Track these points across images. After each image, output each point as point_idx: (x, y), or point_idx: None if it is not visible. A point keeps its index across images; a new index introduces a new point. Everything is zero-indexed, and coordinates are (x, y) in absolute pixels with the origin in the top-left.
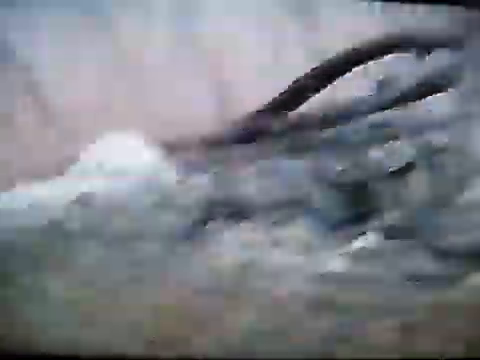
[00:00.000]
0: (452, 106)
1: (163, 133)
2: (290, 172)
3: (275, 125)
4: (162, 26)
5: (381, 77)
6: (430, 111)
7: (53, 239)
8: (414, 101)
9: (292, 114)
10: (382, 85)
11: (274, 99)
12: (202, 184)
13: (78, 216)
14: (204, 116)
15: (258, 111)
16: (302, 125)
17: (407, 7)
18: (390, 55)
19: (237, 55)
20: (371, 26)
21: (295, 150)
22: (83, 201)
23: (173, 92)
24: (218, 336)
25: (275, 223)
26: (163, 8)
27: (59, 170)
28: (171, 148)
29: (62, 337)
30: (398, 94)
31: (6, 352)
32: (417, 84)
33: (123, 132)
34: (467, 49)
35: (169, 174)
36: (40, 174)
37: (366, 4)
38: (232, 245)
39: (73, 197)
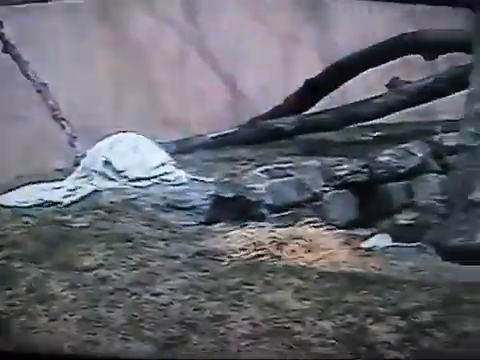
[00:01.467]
0: (462, 108)
1: (174, 132)
2: (302, 172)
3: (287, 125)
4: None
5: (391, 79)
6: (439, 113)
7: (59, 238)
8: (423, 103)
9: (304, 114)
10: (392, 87)
11: (286, 99)
12: (211, 184)
13: (85, 215)
14: (216, 115)
15: (270, 111)
16: (314, 126)
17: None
18: (401, 57)
19: (249, 55)
20: (383, 26)
21: (307, 151)
22: (89, 202)
23: (185, 92)
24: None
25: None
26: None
27: (67, 169)
28: (182, 147)
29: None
30: (407, 97)
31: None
32: (426, 86)
33: (132, 131)
34: (476, 52)
35: (178, 174)
36: (48, 173)
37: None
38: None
39: (80, 196)
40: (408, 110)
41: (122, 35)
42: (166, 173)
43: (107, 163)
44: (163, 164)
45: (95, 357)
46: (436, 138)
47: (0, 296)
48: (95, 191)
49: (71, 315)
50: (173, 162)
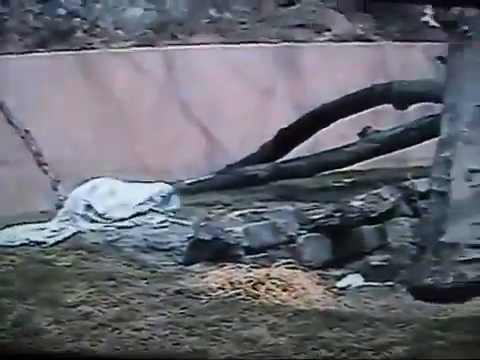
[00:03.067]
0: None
1: (153, 179)
2: (277, 217)
3: (262, 172)
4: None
5: (362, 128)
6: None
7: (44, 276)
8: (394, 151)
9: (278, 162)
10: (364, 136)
11: (261, 147)
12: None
13: (69, 255)
14: (193, 163)
15: (246, 158)
16: (288, 172)
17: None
18: (373, 107)
19: (224, 105)
20: (356, 75)
21: (282, 196)
22: (72, 242)
23: (162, 140)
24: None
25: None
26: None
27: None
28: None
29: None
30: (378, 145)
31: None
32: (396, 135)
33: (111, 176)
34: (446, 100)
35: (157, 217)
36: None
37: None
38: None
39: (63, 237)
40: (380, 157)
41: (102, 86)
42: (145, 215)
43: (88, 206)
44: (142, 207)
45: (95, 357)
46: (407, 184)
47: None
48: (78, 232)
49: (56, 349)
50: (151, 205)
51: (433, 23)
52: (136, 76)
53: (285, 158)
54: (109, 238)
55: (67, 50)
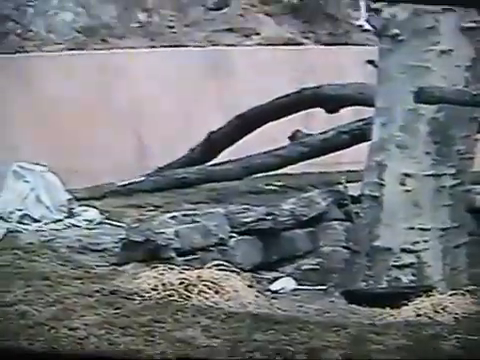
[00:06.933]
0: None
1: (83, 181)
2: (208, 219)
3: (192, 175)
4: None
5: (293, 132)
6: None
7: None
8: (325, 155)
9: (208, 165)
10: (294, 139)
11: (191, 150)
12: (122, 228)
13: (5, 255)
14: (124, 165)
15: (176, 161)
16: (218, 175)
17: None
18: (303, 110)
19: (154, 108)
20: (286, 79)
21: (213, 199)
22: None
23: (93, 142)
24: None
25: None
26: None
27: None
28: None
29: None
30: (308, 149)
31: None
32: (327, 139)
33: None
34: (377, 104)
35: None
36: None
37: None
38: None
39: None
40: (311, 161)
41: (35, 88)
42: (76, 217)
43: (21, 210)
44: (74, 209)
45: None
46: (340, 187)
47: None
48: (14, 231)
49: None
50: (83, 207)
51: (366, 26)
52: (68, 79)
53: (215, 161)
54: (43, 238)
55: (1, 53)
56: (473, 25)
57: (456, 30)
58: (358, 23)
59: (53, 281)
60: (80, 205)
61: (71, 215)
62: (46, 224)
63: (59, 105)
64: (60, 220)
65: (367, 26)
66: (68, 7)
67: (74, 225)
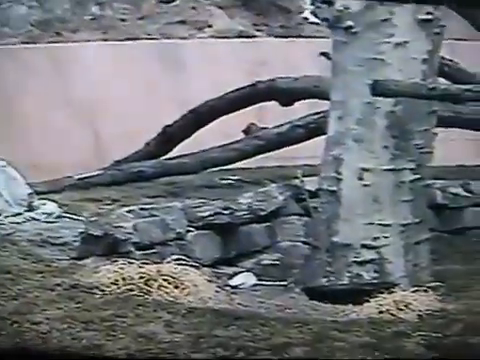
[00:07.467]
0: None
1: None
2: (165, 213)
3: (148, 169)
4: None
5: (248, 125)
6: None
7: None
8: (280, 149)
9: (164, 159)
10: (249, 133)
11: (146, 144)
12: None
13: None
14: (81, 159)
15: (132, 155)
16: (174, 169)
17: None
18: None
19: (109, 102)
20: (239, 72)
21: (170, 193)
22: None
23: (50, 136)
24: None
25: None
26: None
27: None
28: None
29: None
30: (264, 142)
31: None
32: (282, 133)
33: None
34: (333, 97)
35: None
36: None
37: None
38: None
39: None
40: (267, 155)
41: None
42: (36, 210)
43: None
44: (33, 202)
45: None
46: (297, 182)
47: None
48: None
49: None
50: (42, 201)
51: (313, 19)
52: (23, 73)
53: (170, 155)
54: (4, 232)
55: None
56: (429, 17)
57: (412, 22)
58: (303, 16)
59: (14, 275)
60: (39, 199)
61: (31, 209)
62: (6, 217)
63: (15, 99)
64: (20, 214)
65: (313, 19)
66: (22, 0)
67: (34, 219)
